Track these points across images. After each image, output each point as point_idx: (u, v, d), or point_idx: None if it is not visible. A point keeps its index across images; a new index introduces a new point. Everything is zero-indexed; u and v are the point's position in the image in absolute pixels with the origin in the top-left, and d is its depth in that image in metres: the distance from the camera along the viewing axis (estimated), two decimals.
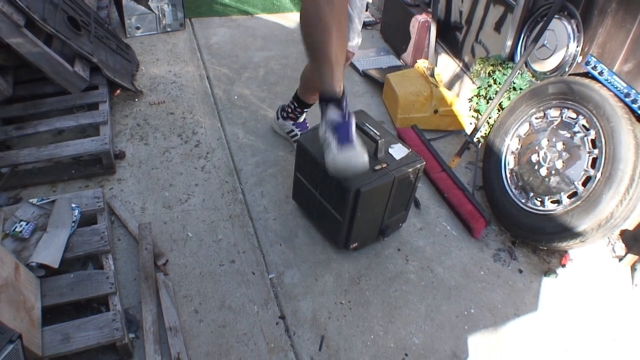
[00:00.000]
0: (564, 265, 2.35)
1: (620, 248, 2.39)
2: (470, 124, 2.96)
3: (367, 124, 2.11)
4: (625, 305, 2.25)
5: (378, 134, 2.08)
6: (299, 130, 2.74)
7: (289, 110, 2.71)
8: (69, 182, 2.49)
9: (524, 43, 2.68)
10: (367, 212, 2.11)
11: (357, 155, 1.85)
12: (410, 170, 2.09)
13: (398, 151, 2.15)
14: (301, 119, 2.75)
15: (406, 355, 1.97)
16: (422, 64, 3.14)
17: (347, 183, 1.98)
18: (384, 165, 2.06)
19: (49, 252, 1.96)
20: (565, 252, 2.39)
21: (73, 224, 2.09)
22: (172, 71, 3.31)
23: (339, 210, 2.10)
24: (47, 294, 1.87)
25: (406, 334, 2.04)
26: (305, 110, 2.68)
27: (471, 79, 3.04)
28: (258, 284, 2.15)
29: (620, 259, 2.36)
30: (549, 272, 2.32)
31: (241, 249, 2.27)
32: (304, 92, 2.57)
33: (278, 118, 2.80)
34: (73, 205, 2.15)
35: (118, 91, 3.01)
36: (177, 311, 1.99)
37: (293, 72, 3.15)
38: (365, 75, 3.45)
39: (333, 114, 1.91)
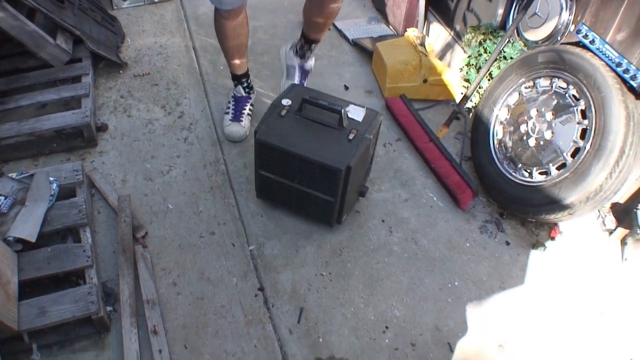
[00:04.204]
0: (553, 238, 2.31)
1: (611, 221, 2.34)
2: (461, 93, 2.90)
3: (319, 99, 2.09)
4: (615, 279, 2.20)
5: (335, 104, 2.07)
6: (296, 80, 2.74)
7: (299, 46, 2.72)
8: (51, 155, 2.47)
9: (515, 11, 2.61)
10: (354, 182, 2.09)
11: (239, 130, 2.61)
12: (377, 126, 2.12)
13: (356, 113, 2.13)
14: (307, 62, 2.77)
15: (387, 327, 1.95)
16: (412, 33, 3.07)
17: (333, 163, 1.95)
18: (355, 132, 2.04)
19: (27, 226, 1.95)
20: (555, 224, 2.34)
21: (51, 198, 2.07)
22: (158, 42, 3.25)
23: (329, 192, 2.06)
24: (24, 268, 1.86)
25: (387, 306, 2.02)
26: (313, 46, 2.68)
27: (463, 48, 2.97)
28: (238, 255, 2.13)
29: (611, 233, 2.32)
30: (537, 244, 2.28)
31: (222, 221, 2.25)
32: (307, 28, 2.62)
33: (291, 49, 2.80)
34: (51, 178, 2.13)
35: (102, 63, 2.96)
36: (154, 284, 1.98)
37: (281, 41, 3.08)
38: (355, 44, 3.37)
39: (238, 90, 2.67)
